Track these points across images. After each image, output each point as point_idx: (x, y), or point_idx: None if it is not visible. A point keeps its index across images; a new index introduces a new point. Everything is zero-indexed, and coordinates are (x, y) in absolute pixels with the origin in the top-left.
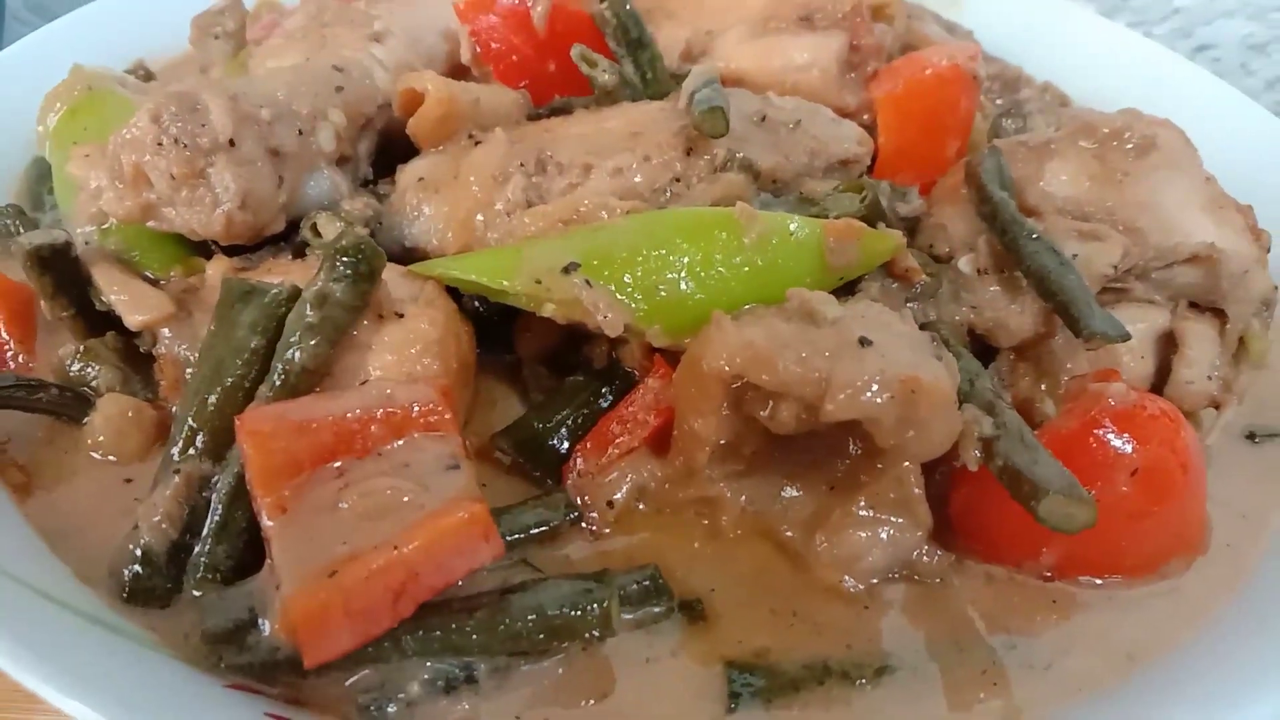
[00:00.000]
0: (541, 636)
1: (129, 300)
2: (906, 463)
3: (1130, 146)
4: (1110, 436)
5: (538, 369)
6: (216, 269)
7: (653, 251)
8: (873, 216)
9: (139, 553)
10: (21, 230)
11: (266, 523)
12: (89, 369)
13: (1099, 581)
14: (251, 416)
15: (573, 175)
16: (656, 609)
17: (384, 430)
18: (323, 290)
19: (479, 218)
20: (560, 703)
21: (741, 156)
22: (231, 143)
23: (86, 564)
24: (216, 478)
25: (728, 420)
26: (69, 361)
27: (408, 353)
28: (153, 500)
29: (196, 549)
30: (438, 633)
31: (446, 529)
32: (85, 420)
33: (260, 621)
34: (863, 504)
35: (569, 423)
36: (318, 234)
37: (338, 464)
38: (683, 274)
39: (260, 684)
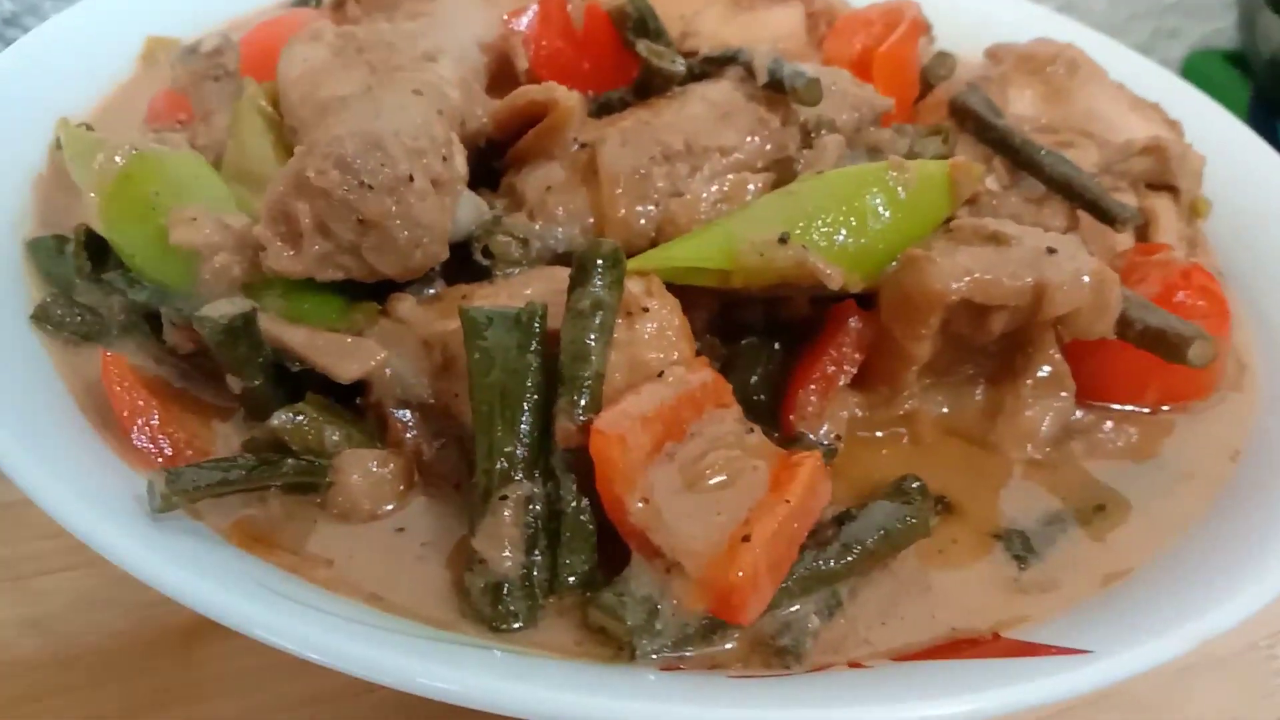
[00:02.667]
0: (888, 549)
1: (336, 352)
2: (1053, 347)
3: (1061, 69)
4: (1182, 294)
5: (710, 340)
6: (405, 305)
7: (838, 211)
8: (947, 154)
9: (495, 584)
10: (75, 316)
11: (637, 518)
12: (309, 432)
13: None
14: (608, 422)
15: (693, 160)
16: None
17: (691, 412)
18: (597, 297)
19: (638, 209)
20: (902, 600)
21: (828, 119)
22: (410, 178)
23: (430, 612)
24: (539, 494)
25: (935, 340)
26: (287, 429)
27: (666, 341)
28: (488, 533)
29: (545, 563)
30: (808, 569)
31: (812, 474)
32: (325, 486)
33: (658, 606)
34: (1028, 386)
35: (765, 379)
36: (489, 254)
37: (667, 450)
38: (864, 225)
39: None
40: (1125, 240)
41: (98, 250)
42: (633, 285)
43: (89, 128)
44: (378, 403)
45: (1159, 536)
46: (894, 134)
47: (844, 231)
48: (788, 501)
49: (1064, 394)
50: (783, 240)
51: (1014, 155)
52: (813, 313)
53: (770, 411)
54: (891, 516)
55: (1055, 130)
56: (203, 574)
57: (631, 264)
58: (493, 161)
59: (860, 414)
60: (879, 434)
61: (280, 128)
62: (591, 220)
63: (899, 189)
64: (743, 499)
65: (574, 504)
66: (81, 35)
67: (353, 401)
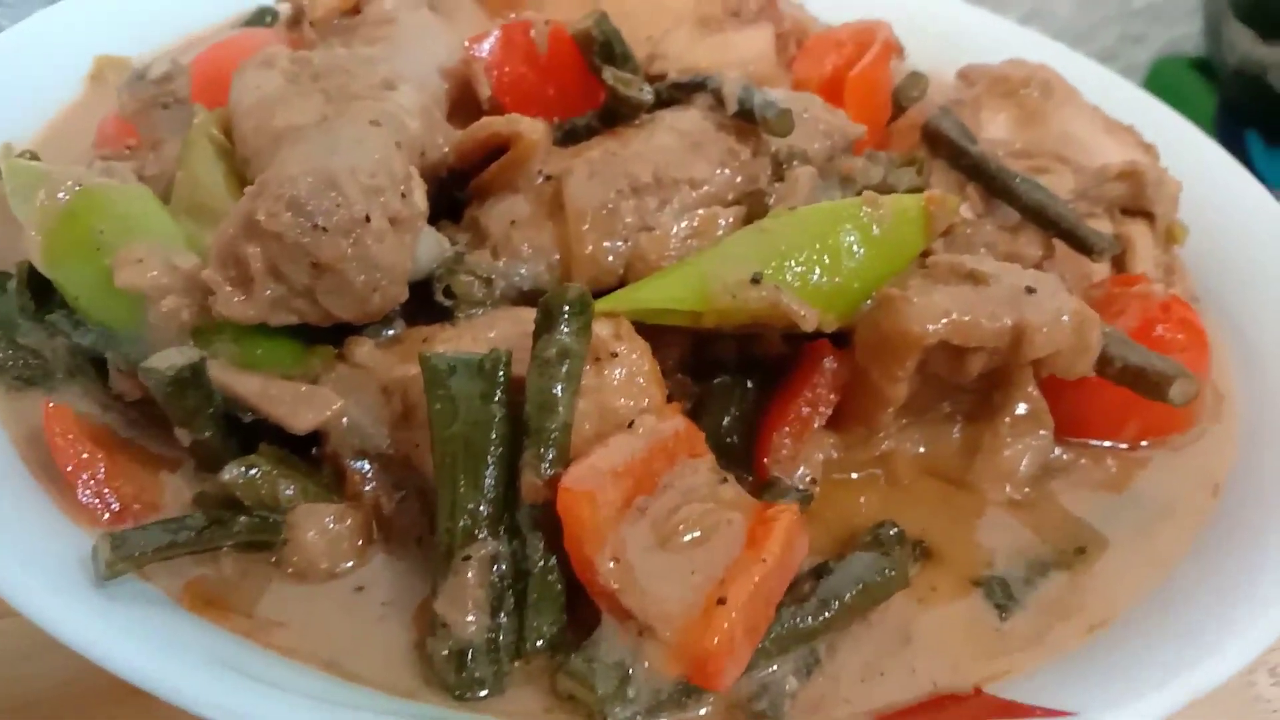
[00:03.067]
0: (867, 602)
1: (291, 402)
2: (1031, 385)
3: (1035, 92)
4: (1161, 328)
5: (681, 379)
6: (363, 349)
7: (811, 249)
8: (922, 185)
9: (459, 650)
10: (18, 359)
11: (607, 579)
12: (262, 486)
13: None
14: (576, 478)
15: (662, 192)
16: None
17: (663, 463)
18: (564, 345)
19: (605, 245)
20: (882, 654)
21: (800, 150)
22: (367, 218)
23: (391, 678)
24: (504, 553)
25: (912, 381)
26: (239, 484)
27: (636, 387)
28: (451, 595)
29: (511, 626)
30: (785, 628)
31: (789, 529)
32: (280, 543)
33: (630, 671)
34: (1006, 424)
35: (739, 420)
36: (450, 295)
37: (638, 505)
38: (838, 263)
39: None
40: (1101, 269)
41: (41, 288)
42: (601, 329)
43: (34, 156)
44: (334, 453)
45: (1141, 578)
46: (866, 162)
47: (818, 270)
48: (764, 560)
49: (1043, 431)
50: (755, 280)
51: (988, 183)
52: (787, 349)
53: (744, 454)
54: (870, 569)
55: (1030, 155)
56: (150, 649)
57: (599, 305)
58: (454, 191)
59: (836, 455)
60: (855, 475)
61: (232, 157)
62: (557, 257)
63: (873, 226)
64: (718, 556)
65: (541, 563)
66: (25, 55)
67: (309, 452)
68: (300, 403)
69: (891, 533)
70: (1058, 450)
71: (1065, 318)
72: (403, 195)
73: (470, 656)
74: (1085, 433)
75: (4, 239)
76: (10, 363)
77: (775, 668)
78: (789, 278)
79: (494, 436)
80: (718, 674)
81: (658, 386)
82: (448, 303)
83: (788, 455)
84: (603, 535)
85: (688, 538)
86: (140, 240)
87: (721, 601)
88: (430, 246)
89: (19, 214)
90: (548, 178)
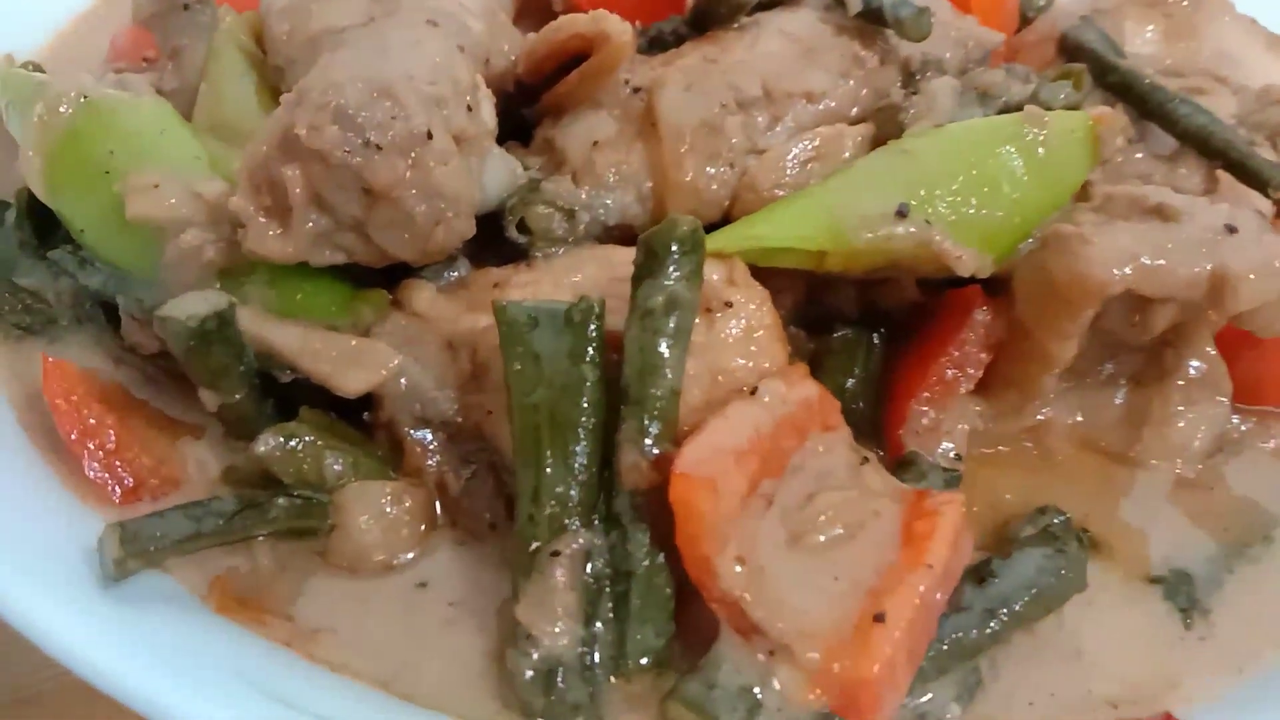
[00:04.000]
0: (1040, 611)
1: (338, 358)
2: (1209, 342)
3: (1185, 2)
4: None
5: (795, 332)
6: (424, 295)
7: (966, 175)
8: (1078, 104)
9: (547, 667)
10: (16, 304)
11: (731, 585)
12: (305, 461)
13: None
14: (693, 461)
15: (774, 108)
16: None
17: (792, 439)
18: (673, 293)
19: (708, 171)
20: (1051, 671)
21: (935, 58)
22: (429, 134)
23: (462, 699)
24: (597, 547)
25: (1083, 338)
26: (276, 457)
27: (755, 345)
28: (536, 600)
29: (608, 638)
30: (947, 643)
31: (955, 526)
32: (326, 530)
33: (759, 699)
34: (1178, 389)
35: (863, 382)
36: (525, 230)
37: (763, 491)
38: (996, 193)
39: None
40: (1267, 206)
41: (44, 220)
42: (711, 272)
43: (37, 68)
44: (390, 421)
45: None
46: (1006, 75)
47: (974, 201)
48: (929, 566)
49: (1220, 398)
50: (900, 214)
51: (1141, 104)
52: (921, 298)
53: (871, 423)
54: (1042, 569)
55: (1181, 73)
56: (168, 673)
57: (709, 244)
58: (522, 108)
59: (982, 426)
60: (1001, 449)
61: (264, 67)
62: (649, 185)
63: (1037, 147)
64: (867, 559)
65: (646, 562)
66: None
67: (359, 417)
68: (349, 359)
69: (1057, 521)
70: (1235, 420)
71: (1270, 266)
72: (468, 109)
73: (560, 675)
74: (1263, 399)
75: (3, 163)
76: (6, 308)
77: (931, 695)
78: (942, 210)
79: (585, 405)
80: (873, 706)
81: (780, 344)
82: (522, 239)
83: (928, 426)
84: (724, 532)
85: (827, 535)
86: (156, 163)
87: (879, 619)
88: (500, 172)
89: (15, 132)
90: (635, 90)
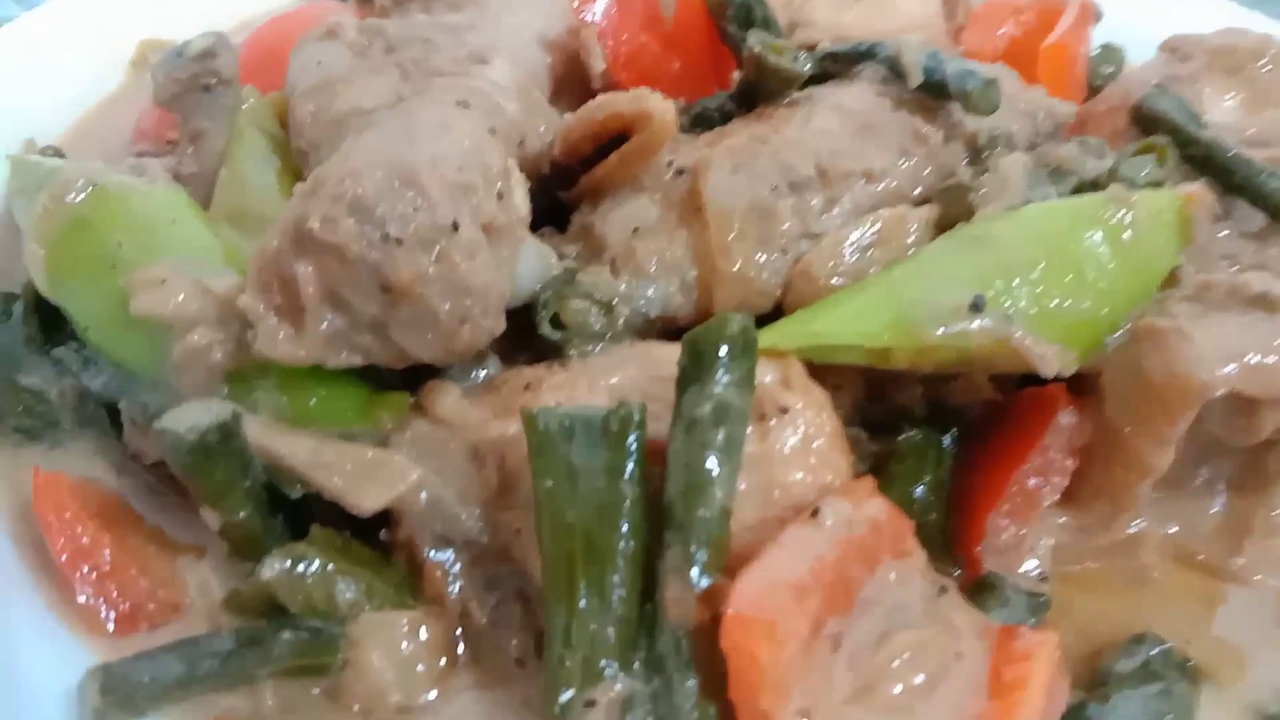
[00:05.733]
0: None
1: (352, 472)
2: None
3: (1268, 66)
4: None
5: (858, 434)
6: (448, 400)
7: (1048, 262)
8: (1162, 180)
9: None
10: (17, 405)
11: None
12: (314, 588)
13: None
14: (750, 600)
15: (829, 190)
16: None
17: (859, 568)
18: (721, 401)
19: (758, 259)
20: None
21: (1004, 132)
22: (455, 226)
23: None
24: (638, 693)
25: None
26: (283, 583)
27: (815, 456)
28: None
29: None
30: None
31: (1049, 673)
32: (337, 667)
33: None
34: None
35: (933, 491)
36: (559, 325)
37: (829, 631)
38: (1081, 282)
39: None
40: None
41: (52, 316)
42: (764, 373)
43: (57, 153)
44: (408, 541)
45: None
46: (1080, 149)
47: (1056, 292)
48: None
49: None
50: (976, 307)
51: (1227, 177)
52: (996, 395)
53: (942, 538)
54: (1148, 715)
55: (1268, 144)
56: None
57: (762, 340)
58: (558, 192)
59: (1066, 540)
60: (1088, 565)
61: (289, 152)
62: (695, 274)
63: (1123, 231)
64: (950, 712)
65: (695, 714)
66: (56, 38)
67: (376, 534)
68: (364, 474)
69: (1156, 652)
70: None
71: None
72: (499, 196)
73: None
74: None
75: (10, 253)
76: (8, 409)
77: None
78: (1021, 302)
79: (625, 528)
80: None
81: (843, 454)
82: (556, 336)
83: (1009, 542)
84: (787, 682)
85: (906, 684)
86: (165, 256)
87: None
88: (533, 262)
89: (21, 222)
90: (679, 172)
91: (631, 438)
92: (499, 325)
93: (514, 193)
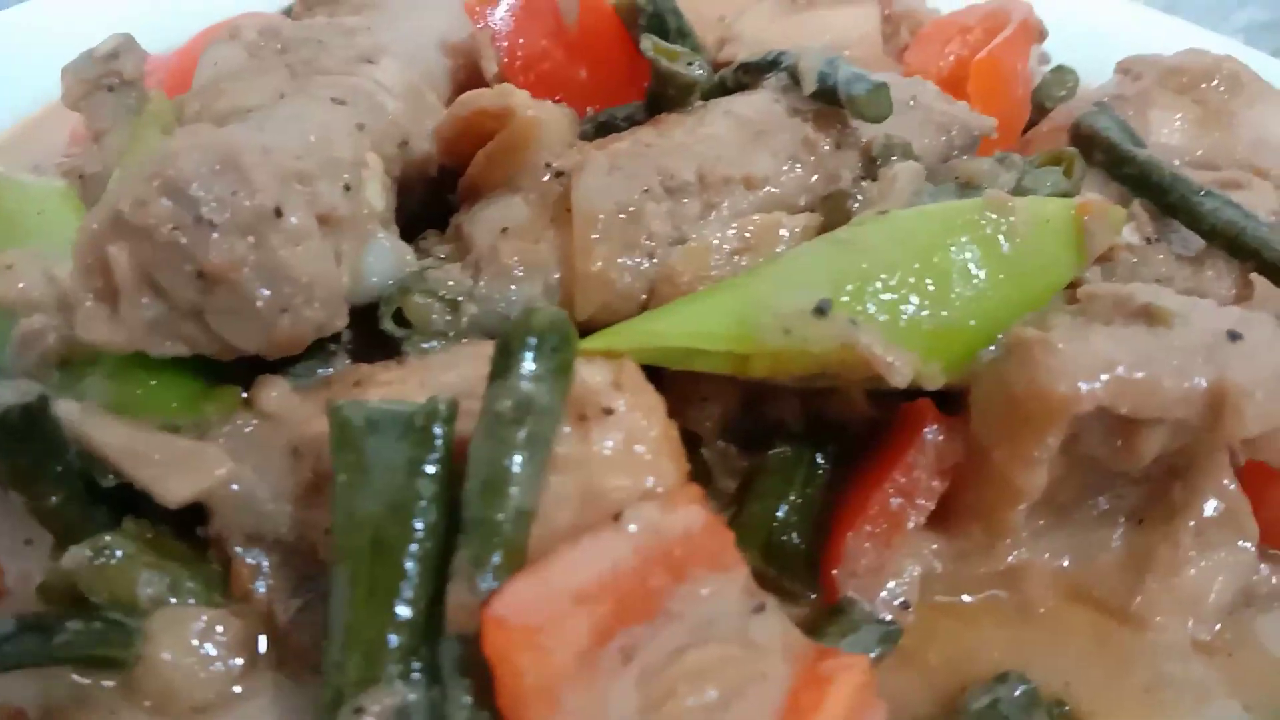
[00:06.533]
0: None
1: (161, 462)
2: (1227, 474)
3: (1220, 86)
4: None
5: (724, 447)
6: (272, 394)
7: (907, 269)
8: (1072, 191)
9: None
10: None
11: None
12: (116, 578)
13: None
14: (506, 604)
15: (708, 195)
16: None
17: (663, 578)
18: (524, 395)
19: (621, 261)
20: None
21: (902, 143)
22: (277, 211)
23: None
24: (414, 702)
25: (1054, 465)
26: (83, 573)
27: (638, 461)
28: None
29: None
30: None
31: (849, 700)
32: (130, 662)
33: None
34: (1189, 531)
35: (800, 509)
36: (405, 323)
37: (621, 644)
38: (945, 290)
39: None
40: None
41: None
42: (593, 374)
43: None
44: (219, 536)
45: None
46: (995, 164)
47: (916, 300)
48: None
49: (1243, 543)
50: (820, 311)
51: (1161, 197)
52: (876, 413)
53: (807, 561)
54: None
55: (1215, 165)
56: None
57: (594, 341)
58: (450, 195)
59: (941, 568)
60: (968, 598)
61: None
62: (558, 276)
63: (1000, 238)
64: None
65: None
66: (7, 46)
67: (194, 530)
68: (174, 464)
69: (1018, 693)
70: (1263, 570)
71: None
72: (346, 188)
73: None
74: None
75: None
76: None
77: None
78: (872, 309)
79: (419, 527)
80: None
81: (671, 460)
82: (397, 332)
83: (868, 566)
84: (556, 693)
85: (697, 702)
86: (23, 244)
87: None
88: (386, 259)
89: None
90: (558, 175)
91: (438, 434)
92: (331, 319)
93: (366, 186)
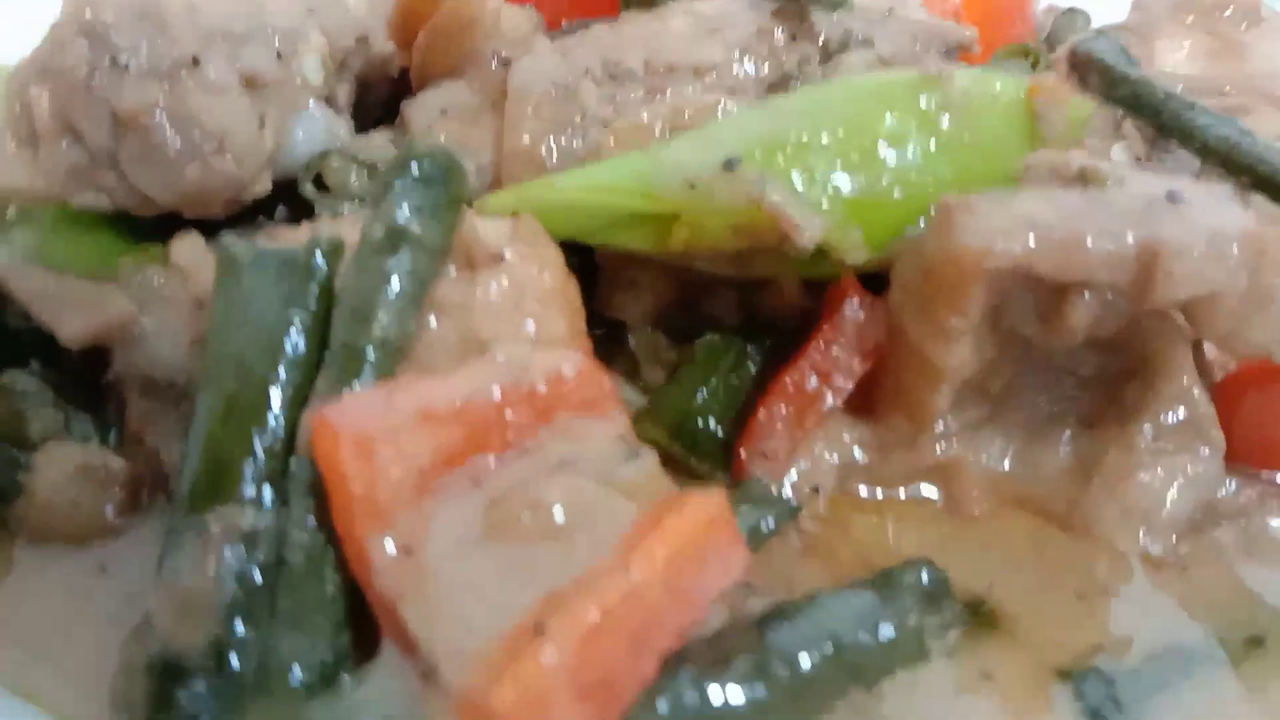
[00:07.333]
0: (837, 680)
1: (61, 304)
2: (1188, 374)
3: (1236, 17)
4: None
5: (652, 335)
6: (187, 248)
7: (832, 134)
8: None
9: (163, 663)
10: None
11: (384, 578)
12: (12, 412)
13: None
14: (339, 411)
15: (652, 80)
16: (941, 618)
17: (527, 415)
18: (397, 224)
19: (548, 142)
20: None
21: (865, 37)
22: (195, 61)
23: (73, 705)
24: (264, 529)
25: (979, 343)
26: None
27: (520, 309)
28: (166, 580)
29: (257, 642)
30: (691, 702)
31: (692, 527)
32: (16, 488)
33: None
34: (1144, 435)
35: (722, 396)
36: (324, 187)
37: (470, 471)
38: (875, 162)
39: None
40: None
41: None
42: (488, 225)
43: None
44: (117, 380)
45: None
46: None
47: (836, 164)
48: (628, 571)
49: (1205, 450)
50: (728, 167)
51: (1154, 116)
52: (808, 303)
53: (725, 446)
54: (855, 620)
55: (1222, 92)
56: None
57: (499, 198)
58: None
59: (865, 459)
60: (897, 493)
61: None
62: (490, 159)
63: (936, 111)
64: (571, 564)
65: (305, 546)
66: None
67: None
68: (76, 305)
69: (916, 577)
70: (1231, 485)
71: (1218, 242)
72: (279, 56)
73: (181, 679)
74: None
75: None
76: None
77: None
78: (784, 166)
79: (284, 356)
80: None
81: (560, 314)
82: (316, 196)
83: (778, 447)
84: (387, 510)
85: (530, 530)
86: None
87: (539, 631)
88: (316, 130)
89: None
90: (505, 63)
91: (317, 268)
92: (249, 178)
93: (300, 58)
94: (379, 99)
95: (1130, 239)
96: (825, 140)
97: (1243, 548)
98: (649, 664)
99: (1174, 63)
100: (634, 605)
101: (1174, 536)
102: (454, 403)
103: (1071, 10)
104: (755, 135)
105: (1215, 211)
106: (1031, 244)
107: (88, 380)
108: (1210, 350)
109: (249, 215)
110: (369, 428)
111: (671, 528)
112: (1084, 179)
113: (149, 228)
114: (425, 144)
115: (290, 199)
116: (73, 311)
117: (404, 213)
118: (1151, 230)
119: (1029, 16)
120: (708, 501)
